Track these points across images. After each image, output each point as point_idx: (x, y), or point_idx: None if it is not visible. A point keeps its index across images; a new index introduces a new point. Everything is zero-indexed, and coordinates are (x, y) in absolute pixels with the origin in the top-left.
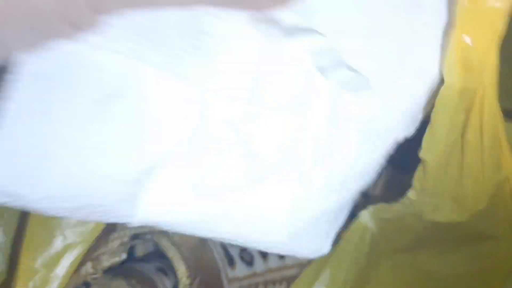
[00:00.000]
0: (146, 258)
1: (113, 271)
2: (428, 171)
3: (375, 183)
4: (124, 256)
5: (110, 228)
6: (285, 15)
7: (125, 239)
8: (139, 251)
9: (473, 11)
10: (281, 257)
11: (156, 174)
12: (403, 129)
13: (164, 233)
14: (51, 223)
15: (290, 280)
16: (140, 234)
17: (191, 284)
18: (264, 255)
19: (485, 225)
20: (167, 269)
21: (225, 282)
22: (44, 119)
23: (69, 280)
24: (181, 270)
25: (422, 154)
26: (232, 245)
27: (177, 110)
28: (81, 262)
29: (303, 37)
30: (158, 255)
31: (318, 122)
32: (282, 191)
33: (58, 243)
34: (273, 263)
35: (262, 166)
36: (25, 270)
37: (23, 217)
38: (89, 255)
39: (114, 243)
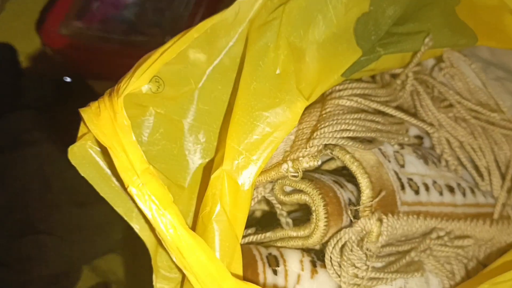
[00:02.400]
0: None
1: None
2: None
3: None
4: (320, 162)
5: (308, 137)
6: None
7: (321, 147)
8: None
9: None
10: (441, 193)
11: None
12: None
13: (345, 150)
14: (253, 115)
15: (446, 217)
16: (327, 147)
17: (374, 197)
18: (427, 188)
19: None
20: (341, 183)
21: (398, 203)
22: None
23: (269, 172)
24: (364, 182)
25: None
26: (401, 172)
27: None
28: (282, 161)
29: None
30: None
31: None
32: None
33: (258, 131)
34: (434, 197)
35: None
36: (230, 151)
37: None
38: (290, 155)
39: (312, 148)
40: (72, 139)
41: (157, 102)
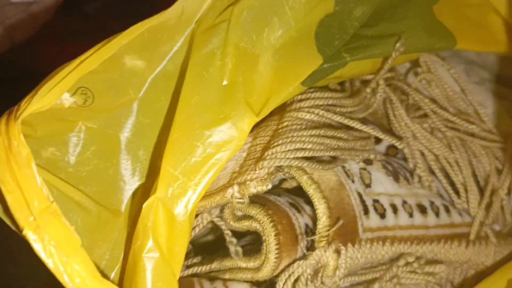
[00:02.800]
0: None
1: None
2: None
3: None
4: (270, 186)
5: (259, 156)
6: None
7: (272, 169)
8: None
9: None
10: (411, 215)
11: None
12: None
13: (303, 170)
14: (193, 133)
15: (417, 240)
16: (282, 166)
17: (331, 225)
18: (395, 210)
19: None
20: (299, 206)
21: (360, 230)
22: None
23: (213, 196)
24: (321, 209)
25: None
26: (365, 193)
27: None
28: (228, 184)
29: None
30: (288, 191)
31: None
32: None
33: (198, 153)
34: (402, 220)
35: None
36: (165, 176)
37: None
38: (237, 178)
39: (262, 171)
40: None
41: (87, 116)
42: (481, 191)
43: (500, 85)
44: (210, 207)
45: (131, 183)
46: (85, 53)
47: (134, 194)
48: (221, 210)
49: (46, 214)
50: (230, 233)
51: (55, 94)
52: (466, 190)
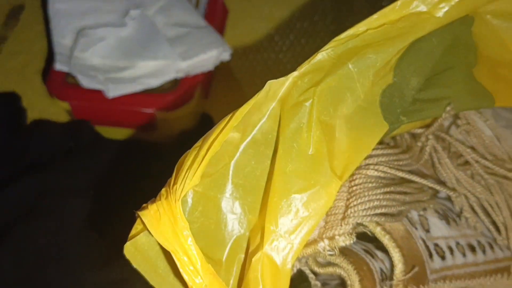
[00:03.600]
0: None
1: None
2: None
3: None
4: (355, 239)
5: (342, 213)
6: None
7: (355, 224)
8: None
9: None
10: (464, 255)
11: None
12: None
13: (375, 221)
14: (289, 197)
15: (469, 276)
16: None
17: (406, 271)
18: (451, 251)
19: None
20: (372, 252)
21: (428, 272)
22: None
23: (305, 249)
24: (397, 257)
25: None
26: (427, 238)
27: None
28: (318, 239)
29: None
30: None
31: None
32: None
33: (295, 214)
34: (458, 260)
35: None
36: (269, 234)
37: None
38: (325, 233)
39: (347, 227)
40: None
41: None
42: None
43: None
44: (301, 257)
45: (229, 236)
46: (208, 138)
47: (232, 245)
48: (305, 260)
49: (207, 274)
50: (314, 277)
51: (197, 177)
52: (506, 229)
